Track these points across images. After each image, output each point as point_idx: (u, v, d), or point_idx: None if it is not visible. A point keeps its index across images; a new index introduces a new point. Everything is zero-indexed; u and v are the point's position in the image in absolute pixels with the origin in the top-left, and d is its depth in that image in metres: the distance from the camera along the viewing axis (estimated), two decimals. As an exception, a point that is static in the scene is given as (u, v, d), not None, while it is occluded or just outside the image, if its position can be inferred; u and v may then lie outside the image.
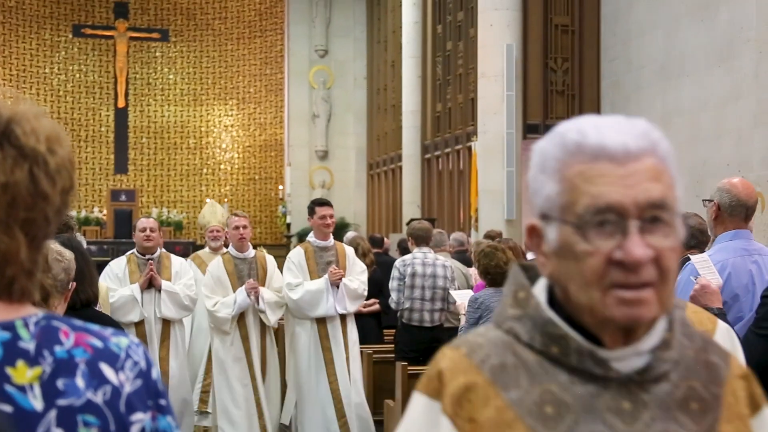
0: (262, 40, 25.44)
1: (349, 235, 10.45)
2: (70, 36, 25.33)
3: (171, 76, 26.04)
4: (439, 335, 7.87)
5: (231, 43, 25.73)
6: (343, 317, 7.47)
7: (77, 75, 25.46)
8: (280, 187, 24.28)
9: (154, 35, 25.78)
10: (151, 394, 1.46)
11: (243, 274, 7.49)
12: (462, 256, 10.39)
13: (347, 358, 7.41)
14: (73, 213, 23.37)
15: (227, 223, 7.84)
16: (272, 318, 7.53)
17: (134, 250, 7.43)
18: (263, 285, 7.57)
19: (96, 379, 1.39)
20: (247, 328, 7.49)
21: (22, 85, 24.68)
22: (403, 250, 9.91)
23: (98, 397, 1.38)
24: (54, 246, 3.10)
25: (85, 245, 6.39)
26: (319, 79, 24.82)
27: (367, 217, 24.29)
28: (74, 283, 3.15)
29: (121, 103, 25.57)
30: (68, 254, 3.16)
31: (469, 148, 16.76)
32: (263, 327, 7.61)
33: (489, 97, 14.80)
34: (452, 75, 18.51)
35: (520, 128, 15.09)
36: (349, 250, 7.74)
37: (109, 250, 19.09)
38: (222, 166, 25.83)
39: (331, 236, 7.59)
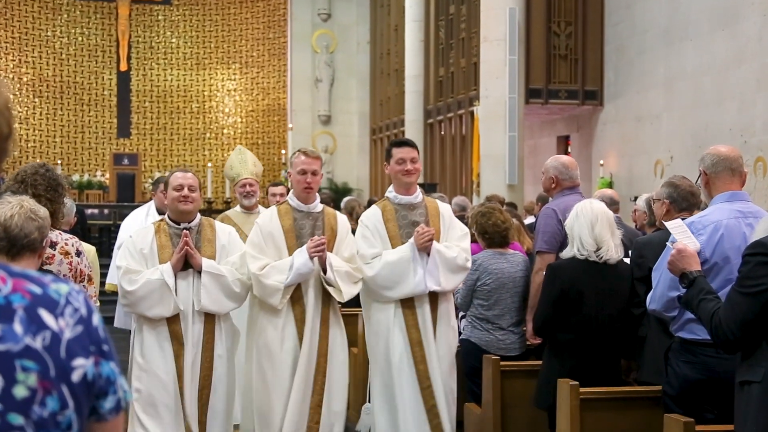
0: (265, 3, 25.27)
1: (346, 198, 10.43)
2: (72, -1, 25.19)
3: (173, 40, 25.90)
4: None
5: (234, 6, 25.56)
6: (435, 297, 5.40)
7: (79, 38, 25.34)
8: (283, 151, 24.23)
9: (156, -2, 25.61)
10: (93, 339, 1.45)
11: (304, 233, 5.32)
12: (463, 220, 10.37)
13: (442, 355, 5.44)
14: (75, 176, 23.42)
15: (291, 162, 5.48)
16: (346, 291, 5.25)
17: (165, 216, 5.32)
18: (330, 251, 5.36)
19: (35, 325, 1.38)
20: (305, 307, 5.25)
21: (24, 48, 24.58)
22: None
23: (37, 343, 1.37)
24: (29, 204, 3.06)
25: (73, 208, 6.24)
26: (322, 43, 24.68)
27: (370, 182, 24.26)
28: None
29: (123, 67, 25.45)
30: (42, 212, 3.11)
31: (472, 113, 16.69)
32: (327, 307, 5.34)
33: (491, 61, 14.73)
34: (455, 39, 18.39)
35: (522, 93, 15.03)
36: (445, 208, 5.66)
37: (111, 213, 19.09)
38: (225, 131, 25.77)
39: (418, 189, 5.62)
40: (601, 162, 16.15)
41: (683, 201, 4.93)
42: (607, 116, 16.22)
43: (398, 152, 5.48)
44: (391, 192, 5.61)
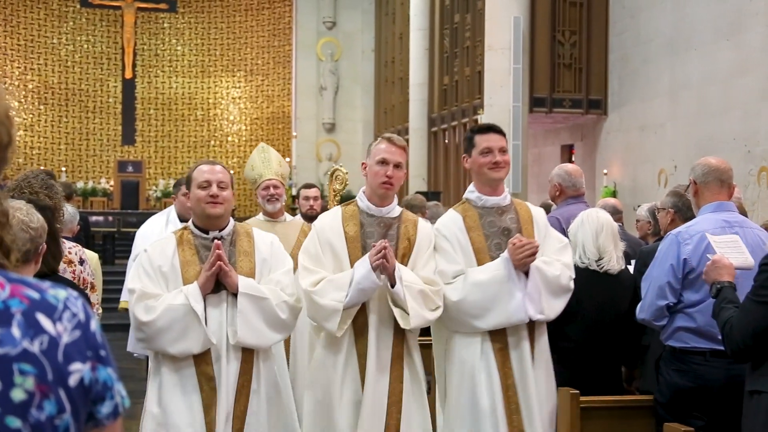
0: (270, 11, 25.34)
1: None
2: (78, 6, 25.26)
3: (179, 48, 25.97)
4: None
5: (239, 14, 25.63)
6: (532, 328, 4.28)
7: (85, 45, 25.42)
8: (287, 159, 24.26)
9: (162, 6, 25.67)
10: (90, 345, 1.46)
11: (372, 243, 4.17)
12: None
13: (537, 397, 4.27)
14: (80, 183, 23.45)
15: (369, 151, 4.32)
16: (417, 315, 4.06)
17: (189, 224, 4.17)
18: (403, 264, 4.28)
19: (32, 329, 1.39)
20: (367, 334, 4.13)
21: (30, 55, 24.66)
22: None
23: (35, 347, 1.38)
24: (21, 215, 3.01)
25: (76, 216, 6.13)
26: (326, 51, 24.73)
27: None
28: (44, 246, 3.10)
29: (128, 74, 25.53)
30: (36, 222, 3.06)
31: (476, 122, 16.69)
32: (400, 338, 4.18)
33: (496, 70, 14.75)
34: (459, 48, 18.42)
35: (526, 102, 15.05)
36: (539, 213, 4.53)
37: (115, 221, 19.12)
38: (229, 138, 25.82)
39: (506, 190, 4.51)
40: (605, 171, 16.15)
41: (688, 210, 4.95)
42: (611, 125, 16.23)
43: (483, 140, 4.34)
44: (472, 192, 4.43)
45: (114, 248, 18.02)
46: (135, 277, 3.96)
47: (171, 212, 6.41)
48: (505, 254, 4.18)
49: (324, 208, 6.41)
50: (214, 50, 25.88)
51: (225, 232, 4.07)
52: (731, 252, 3.95)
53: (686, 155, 13.59)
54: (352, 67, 24.76)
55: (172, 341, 3.82)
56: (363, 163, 4.31)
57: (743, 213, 4.91)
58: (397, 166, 4.18)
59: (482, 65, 15.81)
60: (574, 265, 4.59)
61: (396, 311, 4.05)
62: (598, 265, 4.81)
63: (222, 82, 25.87)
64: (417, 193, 10.62)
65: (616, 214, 6.76)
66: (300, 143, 23.67)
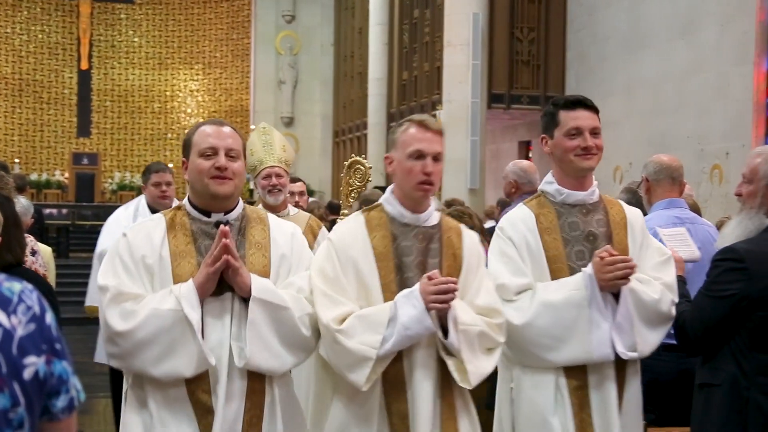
0: (229, 4, 25.17)
1: (308, 200, 10.37)
2: (33, -4, 24.91)
3: (136, 39, 25.71)
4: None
5: (197, 6, 25.43)
6: (622, 365, 3.31)
7: (40, 35, 25.05)
8: (245, 153, 24.16)
9: (119, -3, 25.41)
10: (45, 338, 1.45)
11: (410, 262, 3.12)
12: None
13: None
14: (34, 175, 23.13)
15: (396, 141, 3.20)
16: (476, 370, 3.05)
17: (184, 202, 3.12)
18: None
19: None
20: (409, 396, 3.05)
21: (-17, 44, 24.27)
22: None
23: None
24: None
25: (30, 209, 5.93)
26: (285, 45, 24.63)
27: (332, 185, 24.25)
28: None
29: (84, 66, 25.22)
30: None
31: (435, 117, 16.73)
32: (449, 392, 3.10)
33: (454, 65, 14.78)
34: (418, 43, 18.44)
35: (485, 98, 15.10)
36: (634, 215, 3.51)
37: (70, 213, 18.88)
38: (186, 131, 25.61)
39: (594, 183, 3.48)
40: (562, 167, 16.28)
41: (641, 206, 5.01)
42: (568, 122, 16.35)
43: (571, 118, 3.35)
44: (551, 183, 3.45)
45: (68, 241, 17.80)
46: (108, 271, 2.92)
47: (141, 202, 5.81)
48: (588, 269, 3.20)
49: (321, 212, 5.69)
50: (172, 42, 25.65)
51: (232, 216, 3.04)
52: (679, 245, 4.01)
53: (641, 152, 13.75)
54: (311, 61, 24.69)
55: (156, 359, 2.82)
56: (387, 157, 3.20)
57: (696, 209, 4.98)
58: (436, 158, 3.07)
59: (441, 61, 15.84)
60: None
61: (450, 363, 3.00)
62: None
63: (180, 75, 25.65)
64: (375, 188, 10.61)
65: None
66: (258, 137, 23.52)
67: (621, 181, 13.98)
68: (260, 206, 4.82)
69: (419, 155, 3.08)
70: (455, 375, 3.01)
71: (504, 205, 8.21)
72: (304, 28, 24.70)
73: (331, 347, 2.99)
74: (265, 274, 3.00)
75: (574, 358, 3.22)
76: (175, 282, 2.91)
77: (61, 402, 1.47)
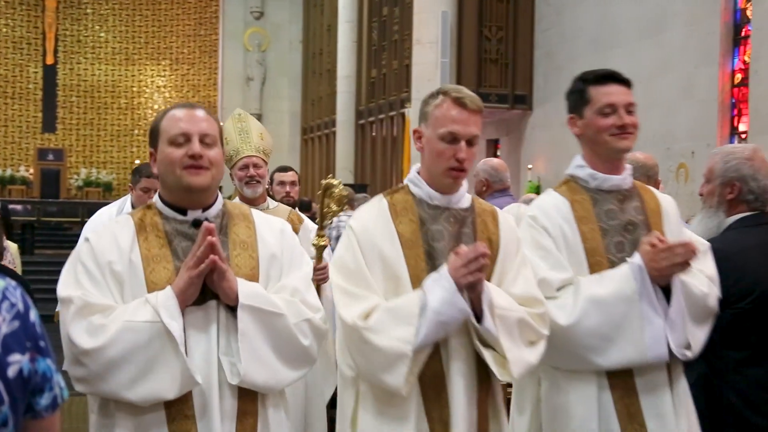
0: (197, 0, 25.04)
1: (279, 198, 10.34)
2: (-3, -11, 24.62)
3: (102, 34, 25.48)
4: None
5: (165, 2, 25.26)
6: (669, 365, 2.94)
7: (4, 29, 24.75)
8: (213, 149, 24.08)
9: (85, -9, 25.16)
10: (29, 335, 1.44)
11: (441, 248, 2.76)
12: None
13: None
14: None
15: (428, 115, 2.81)
16: (517, 359, 2.67)
17: (155, 199, 2.70)
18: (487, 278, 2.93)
19: None
20: (446, 390, 2.69)
21: (-54, 38, 23.94)
22: (333, 214, 9.94)
23: None
24: None
25: None
26: (254, 41, 24.54)
27: (300, 182, 24.24)
28: None
29: (49, 60, 24.96)
30: None
31: (403, 115, 16.75)
32: (486, 385, 2.75)
33: (423, 63, 14.81)
34: (387, 41, 18.46)
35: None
36: (668, 203, 3.17)
37: (35, 209, 18.69)
38: (154, 118, 25.46)
39: (628, 167, 3.13)
40: (530, 166, 16.36)
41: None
42: (536, 121, 16.45)
43: (603, 94, 3.02)
44: (582, 167, 3.10)
45: (33, 238, 17.62)
46: (69, 281, 2.50)
47: (126, 203, 5.35)
48: (636, 260, 2.87)
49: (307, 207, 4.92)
50: (139, 38, 25.46)
51: (211, 213, 2.63)
52: None
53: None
54: (280, 58, 24.62)
55: (131, 381, 2.40)
56: (416, 131, 2.84)
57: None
58: (470, 142, 2.73)
59: (410, 59, 15.87)
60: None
61: (487, 355, 2.64)
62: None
63: (146, 71, 25.47)
64: (344, 185, 10.63)
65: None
66: (226, 134, 23.42)
67: (588, 180, 14.07)
68: (236, 199, 4.59)
69: (453, 138, 2.71)
70: (494, 368, 2.62)
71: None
72: (273, 24, 24.62)
73: (359, 349, 2.64)
74: (254, 277, 2.59)
75: (625, 360, 2.84)
76: (150, 290, 2.48)
77: (44, 400, 1.46)
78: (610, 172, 3.05)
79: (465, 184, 2.83)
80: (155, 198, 2.67)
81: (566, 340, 2.84)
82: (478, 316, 2.63)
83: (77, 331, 2.41)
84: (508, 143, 17.64)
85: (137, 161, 22.86)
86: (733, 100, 11.77)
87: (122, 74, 25.49)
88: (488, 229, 2.82)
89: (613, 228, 2.99)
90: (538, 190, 14.89)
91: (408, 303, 2.62)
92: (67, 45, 25.25)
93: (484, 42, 16.26)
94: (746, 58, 11.59)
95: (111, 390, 2.41)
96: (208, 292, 2.51)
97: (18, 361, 1.41)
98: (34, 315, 1.47)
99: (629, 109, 3.02)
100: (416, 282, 2.67)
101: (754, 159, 3.36)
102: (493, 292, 2.66)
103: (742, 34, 11.70)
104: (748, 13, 11.59)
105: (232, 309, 2.50)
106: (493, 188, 5.92)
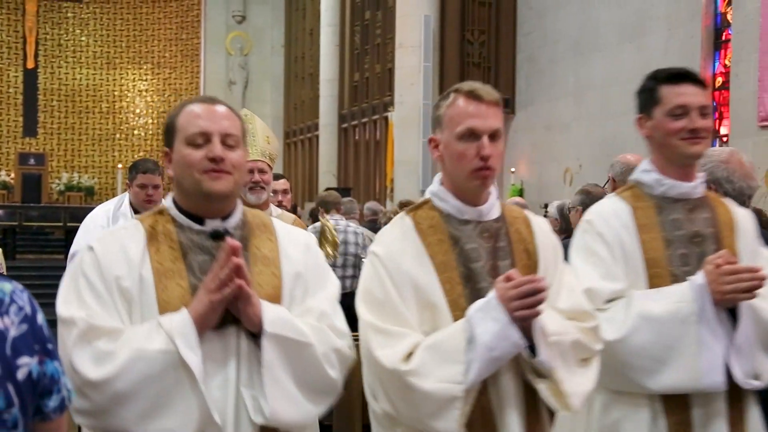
0: (178, 3, 24.98)
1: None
2: (-23, -7, 24.49)
3: (83, 38, 25.37)
4: (350, 302, 7.90)
5: (146, 5, 25.18)
6: (736, 395, 2.71)
7: (-16, 34, 24.63)
8: (195, 153, 24.03)
9: (66, -5, 25.06)
10: (38, 338, 1.46)
11: (479, 268, 2.43)
12: (374, 225, 10.45)
13: None
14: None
15: (441, 117, 2.47)
16: (576, 392, 2.37)
17: (168, 204, 2.38)
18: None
19: None
20: (499, 413, 2.38)
21: (-75, 42, 23.78)
22: (315, 218, 9.93)
23: None
24: None
25: None
26: (236, 45, 24.51)
27: (283, 186, 24.22)
28: None
29: (30, 64, 24.83)
30: None
31: (386, 119, 16.78)
32: (536, 420, 2.44)
33: (406, 67, 14.84)
34: (370, 45, 18.48)
35: (436, 99, 15.16)
36: (744, 216, 2.94)
37: (17, 214, 18.56)
38: (135, 132, 25.35)
39: (699, 175, 2.91)
40: (512, 169, 16.42)
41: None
42: (519, 124, 16.51)
43: (675, 94, 2.77)
44: (648, 172, 2.87)
45: (15, 243, 17.50)
46: (71, 298, 2.20)
47: (124, 201, 5.19)
48: (699, 278, 2.63)
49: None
50: (120, 42, 25.37)
51: (231, 223, 2.34)
52: None
53: (590, 154, 13.93)
54: (262, 61, 24.60)
55: (140, 417, 2.12)
56: (431, 140, 2.53)
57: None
58: (493, 136, 2.44)
59: (393, 62, 15.90)
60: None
61: (542, 388, 2.35)
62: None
63: (128, 75, 25.39)
64: (328, 189, 10.63)
65: (524, 211, 6.90)
66: (208, 138, 23.40)
67: (571, 183, 14.14)
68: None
69: (472, 134, 2.41)
70: (551, 401, 2.35)
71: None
72: (255, 28, 24.60)
73: (402, 396, 2.31)
74: (276, 297, 2.30)
75: (676, 385, 2.62)
76: (161, 311, 2.19)
77: (53, 402, 1.48)
78: (679, 178, 2.81)
79: (494, 192, 2.55)
80: (168, 202, 2.36)
81: (612, 357, 2.59)
82: (530, 347, 2.33)
83: (81, 359, 2.11)
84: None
85: (119, 165, 22.78)
86: (714, 104, 11.85)
87: (103, 78, 25.39)
88: (523, 238, 2.52)
89: (677, 239, 2.76)
90: (521, 194, 14.95)
91: (452, 337, 2.31)
92: (48, 49, 25.13)
93: (466, 46, 16.31)
94: (727, 62, 11.68)
95: (117, 426, 2.13)
96: (227, 317, 2.21)
97: (27, 364, 1.42)
98: (41, 318, 1.49)
99: (703, 111, 2.78)
100: (455, 308, 2.37)
101: (730, 162, 3.37)
102: (543, 317, 2.33)
103: (723, 38, 11.79)
104: (729, 17, 11.68)
105: (254, 335, 2.23)
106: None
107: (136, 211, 4.97)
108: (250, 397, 2.20)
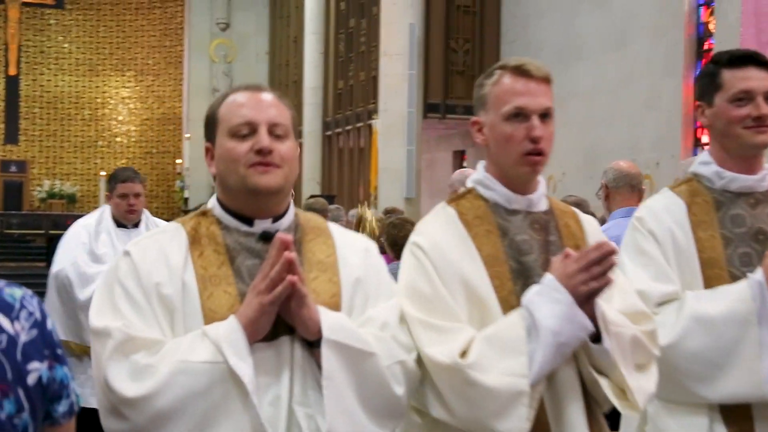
0: (162, 11, 24.93)
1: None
2: (-41, -1, 24.36)
3: (66, 45, 25.28)
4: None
5: (129, 12, 25.12)
6: None
7: (-34, 40, 24.51)
8: (178, 161, 23.91)
9: (48, 1, 24.94)
10: (47, 344, 1.47)
11: (530, 260, 2.24)
12: (357, 232, 10.48)
13: None
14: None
15: (485, 97, 2.29)
16: (640, 389, 2.16)
17: (212, 204, 2.17)
18: None
19: None
20: (558, 416, 2.16)
21: None
22: (302, 225, 9.93)
23: None
24: None
25: None
26: (220, 52, 24.48)
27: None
28: None
29: (12, 71, 24.70)
30: None
31: (370, 126, 16.79)
32: (590, 414, 2.20)
33: (391, 75, 14.85)
34: (354, 52, 18.49)
35: (420, 107, 15.21)
36: None
37: (-1, 222, 18.47)
38: (118, 139, 25.27)
39: (766, 165, 2.69)
40: (497, 177, 16.47)
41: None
42: (503, 132, 16.56)
43: (738, 78, 2.55)
44: (707, 164, 2.65)
45: (-5, 250, 17.40)
46: (105, 308, 2.00)
47: (105, 213, 4.98)
48: (757, 276, 2.42)
49: None
50: (103, 48, 25.30)
51: (283, 224, 2.14)
52: None
53: (574, 163, 13.98)
54: (246, 69, 24.56)
55: None
56: (474, 122, 2.33)
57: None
58: (544, 116, 2.23)
59: (377, 70, 15.91)
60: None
61: (604, 383, 2.14)
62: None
63: (111, 82, 25.31)
64: (313, 196, 10.61)
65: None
66: (193, 145, 23.33)
67: (555, 191, 14.16)
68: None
69: (520, 114, 2.21)
70: (614, 400, 2.13)
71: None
72: (239, 36, 24.58)
73: (461, 393, 2.07)
74: (335, 306, 2.07)
75: (735, 393, 2.38)
76: (207, 321, 1.98)
77: (62, 407, 1.50)
78: (742, 171, 2.58)
79: (543, 182, 2.34)
80: (212, 203, 2.17)
81: (664, 364, 2.32)
82: (595, 334, 2.12)
83: (117, 374, 1.90)
84: (474, 154, 17.73)
85: (102, 173, 22.67)
86: (697, 112, 11.93)
87: (86, 85, 25.30)
88: (574, 234, 2.33)
89: (738, 236, 2.53)
90: (504, 201, 14.98)
91: (510, 326, 2.10)
92: (30, 56, 25.02)
93: (450, 54, 16.36)
94: (709, 71, 11.75)
95: None
96: (280, 325, 1.99)
97: (37, 369, 1.44)
98: (50, 323, 1.50)
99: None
100: (505, 305, 2.16)
101: None
102: (602, 304, 2.13)
103: (705, 47, 11.87)
104: (711, 27, 11.76)
105: (310, 344, 2.00)
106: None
107: (118, 224, 4.86)
108: (305, 417, 1.96)
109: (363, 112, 17.78)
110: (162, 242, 2.07)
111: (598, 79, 13.52)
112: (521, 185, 2.27)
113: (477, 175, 2.34)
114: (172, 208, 24.27)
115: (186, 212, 21.08)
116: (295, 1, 22.03)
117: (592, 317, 2.08)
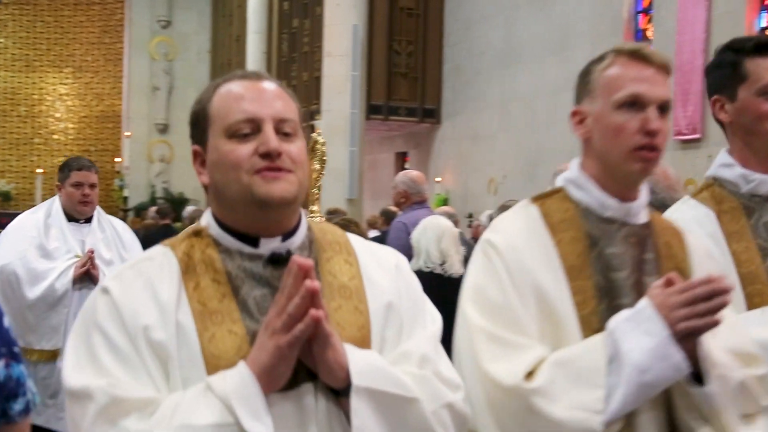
0: (102, 7, 24.58)
1: (189, 209, 10.27)
2: None
3: (1, 40, 24.78)
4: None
5: (68, 8, 24.72)
6: None
7: None
8: (117, 159, 23.60)
9: (-16, -4, 24.47)
10: (4, 341, 1.46)
11: (620, 278, 1.92)
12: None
13: None
14: None
15: (589, 82, 2.03)
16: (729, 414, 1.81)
17: (207, 220, 1.78)
18: None
19: None
20: None
21: None
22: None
23: None
24: None
25: None
26: (160, 50, 24.22)
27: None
28: None
29: (-55, 66, 24.17)
30: None
31: (312, 127, 16.78)
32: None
33: (334, 76, 14.88)
34: (297, 52, 18.47)
35: (363, 108, 15.26)
36: None
37: (-69, 220, 18.08)
38: (55, 136, 24.83)
39: None
40: (438, 179, 16.58)
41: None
42: (445, 134, 16.68)
43: (765, 68, 2.25)
44: (730, 166, 2.37)
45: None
46: (84, 362, 1.60)
47: (54, 205, 4.57)
48: None
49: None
50: (40, 44, 24.85)
51: (295, 243, 1.76)
52: None
53: (515, 165, 14.16)
54: (187, 67, 24.36)
55: None
56: (575, 112, 2.06)
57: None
58: (663, 108, 1.93)
59: (320, 71, 15.92)
60: (419, 271, 4.66)
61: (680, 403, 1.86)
62: (442, 269, 4.97)
63: (48, 78, 24.87)
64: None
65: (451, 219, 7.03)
66: (132, 144, 23.05)
67: (495, 193, 14.34)
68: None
69: (635, 103, 1.91)
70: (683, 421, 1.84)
71: (389, 216, 8.34)
72: (180, 34, 24.36)
73: (522, 423, 1.80)
74: (364, 341, 1.70)
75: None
76: (210, 369, 1.59)
77: (18, 405, 1.48)
78: None
79: (646, 191, 2.01)
80: (207, 220, 1.77)
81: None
82: (694, 376, 1.81)
83: None
84: (416, 156, 17.83)
85: (39, 170, 22.28)
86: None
87: (22, 81, 24.83)
88: (674, 255, 1.99)
89: None
90: (445, 203, 15.11)
91: (588, 353, 1.80)
92: (-35, 50, 24.50)
93: (393, 56, 16.45)
94: (647, 77, 12.00)
95: None
96: (300, 371, 1.61)
97: None
98: (6, 321, 1.48)
99: None
100: (586, 326, 1.86)
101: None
102: (708, 341, 1.82)
103: (643, 53, 12.11)
104: (648, 33, 12.02)
105: (336, 393, 1.63)
106: (411, 200, 6.03)
107: (70, 218, 4.50)
108: None
109: (306, 112, 17.75)
110: (148, 273, 1.67)
111: (538, 83, 13.72)
112: (625, 188, 1.96)
113: (569, 174, 2.03)
114: (111, 208, 23.93)
115: (125, 212, 20.86)
116: (238, 0, 21.91)
117: (692, 356, 1.78)
